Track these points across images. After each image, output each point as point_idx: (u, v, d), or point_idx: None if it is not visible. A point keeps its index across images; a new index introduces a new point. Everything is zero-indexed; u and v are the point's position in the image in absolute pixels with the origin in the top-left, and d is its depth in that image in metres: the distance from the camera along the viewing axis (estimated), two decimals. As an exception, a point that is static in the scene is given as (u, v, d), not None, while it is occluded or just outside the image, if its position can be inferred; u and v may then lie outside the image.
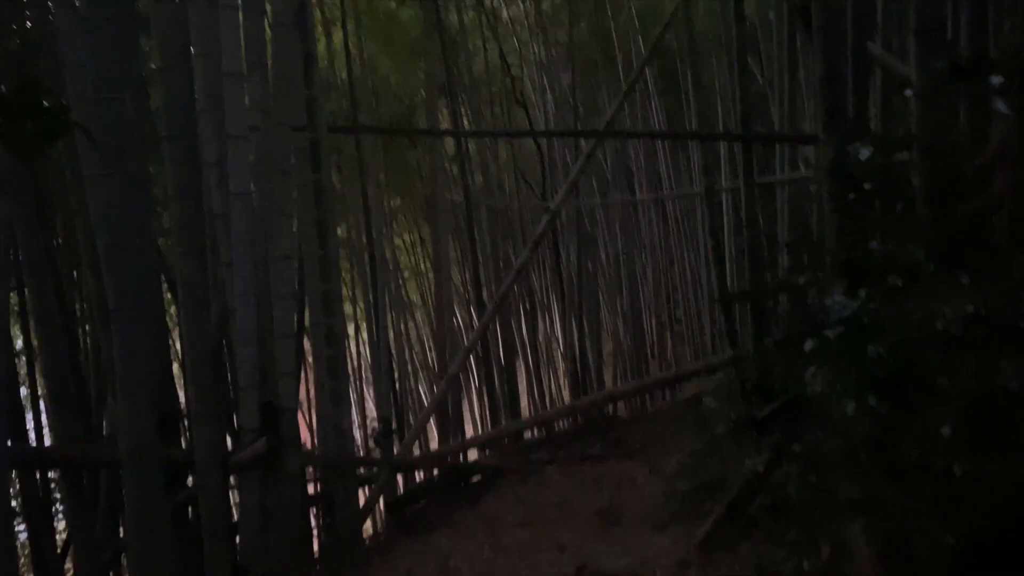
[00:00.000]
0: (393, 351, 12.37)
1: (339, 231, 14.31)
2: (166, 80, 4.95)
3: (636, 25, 12.52)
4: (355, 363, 15.71)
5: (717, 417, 7.10)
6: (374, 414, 9.89)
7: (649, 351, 13.73)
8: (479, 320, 8.62)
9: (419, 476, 9.27)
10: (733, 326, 6.40)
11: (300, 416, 10.12)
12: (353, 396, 16.56)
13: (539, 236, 6.46)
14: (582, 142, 12.29)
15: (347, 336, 16.79)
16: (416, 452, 9.19)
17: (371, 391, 11.23)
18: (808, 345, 2.99)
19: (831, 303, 2.92)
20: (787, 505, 3.33)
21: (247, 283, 4.86)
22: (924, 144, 3.60)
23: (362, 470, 7.18)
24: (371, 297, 10.21)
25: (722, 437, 6.54)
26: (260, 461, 4.88)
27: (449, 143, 12.26)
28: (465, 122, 11.72)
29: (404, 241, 15.58)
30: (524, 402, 11.97)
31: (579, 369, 10.04)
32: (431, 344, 14.96)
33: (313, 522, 7.44)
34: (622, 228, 12.13)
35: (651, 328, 14.20)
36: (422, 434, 9.64)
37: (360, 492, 7.85)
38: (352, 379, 16.84)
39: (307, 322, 6.63)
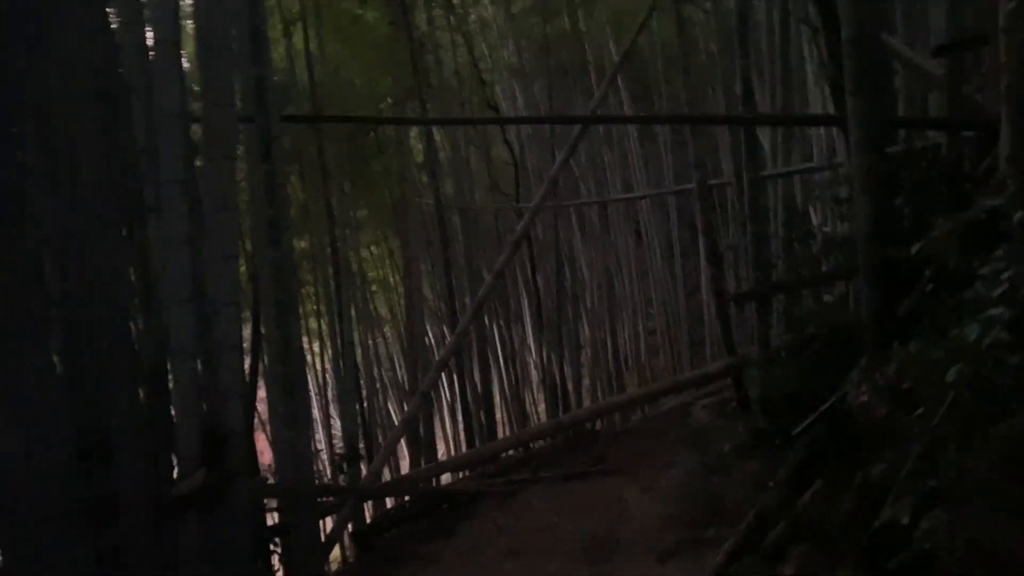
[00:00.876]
0: (361, 368, 11.60)
1: (303, 242, 13.61)
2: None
3: (608, 31, 11.94)
4: (320, 381, 14.89)
5: (719, 432, 6.42)
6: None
7: (624, 363, 13.07)
8: (452, 334, 7.88)
9: (389, 503, 8.44)
10: (730, 331, 5.72)
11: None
12: (319, 416, 15.80)
13: (518, 237, 5.74)
14: (555, 150, 11.74)
15: (311, 352, 16.03)
16: (386, 476, 8.40)
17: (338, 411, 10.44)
18: (972, 333, 2.23)
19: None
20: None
21: (182, 286, 4.08)
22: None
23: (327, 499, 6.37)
24: (336, 311, 9.42)
25: (727, 455, 5.85)
26: (199, 497, 4.07)
27: (418, 150, 11.56)
28: (435, 130, 11.01)
29: (372, 253, 14.77)
30: (499, 417, 11.25)
31: (557, 383, 9.33)
32: (401, 360, 14.16)
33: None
34: (596, 236, 11.48)
35: (628, 339, 13.57)
36: (392, 457, 8.82)
37: (326, 522, 7.03)
38: (317, 398, 16.06)
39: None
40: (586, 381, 12.19)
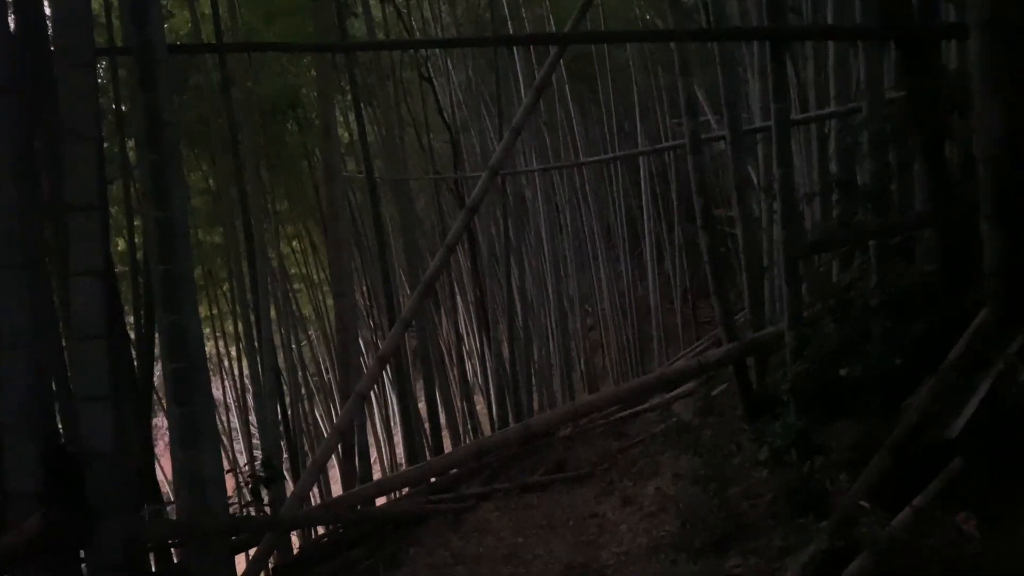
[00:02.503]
0: (284, 372, 10.16)
1: (215, 236, 12.05)
2: None
3: (549, 12, 10.88)
4: (238, 387, 13.31)
5: (714, 432, 5.33)
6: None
7: (577, 360, 11.99)
8: (391, 329, 6.57)
9: (320, 529, 7.03)
10: (731, 313, 4.62)
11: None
12: (240, 428, 14.18)
13: (473, 202, 4.51)
14: (495, 131, 10.58)
15: (227, 357, 14.43)
16: (316, 498, 7.03)
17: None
18: None
19: None
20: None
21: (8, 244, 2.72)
22: None
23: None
24: (252, 306, 8.00)
25: (729, 460, 4.75)
26: (35, 549, 2.71)
27: (345, 130, 10.23)
28: (367, 109, 9.67)
29: (293, 248, 13.27)
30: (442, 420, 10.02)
31: (510, 383, 8.12)
32: (329, 363, 12.71)
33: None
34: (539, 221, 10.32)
35: (570, 335, 12.51)
36: (321, 476, 7.41)
37: (241, 557, 5.62)
38: (237, 409, 14.45)
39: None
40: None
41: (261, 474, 5.06)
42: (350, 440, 5.83)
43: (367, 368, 7.50)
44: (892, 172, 3.59)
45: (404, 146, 9.59)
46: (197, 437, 3.75)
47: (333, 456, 6.78)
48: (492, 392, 10.07)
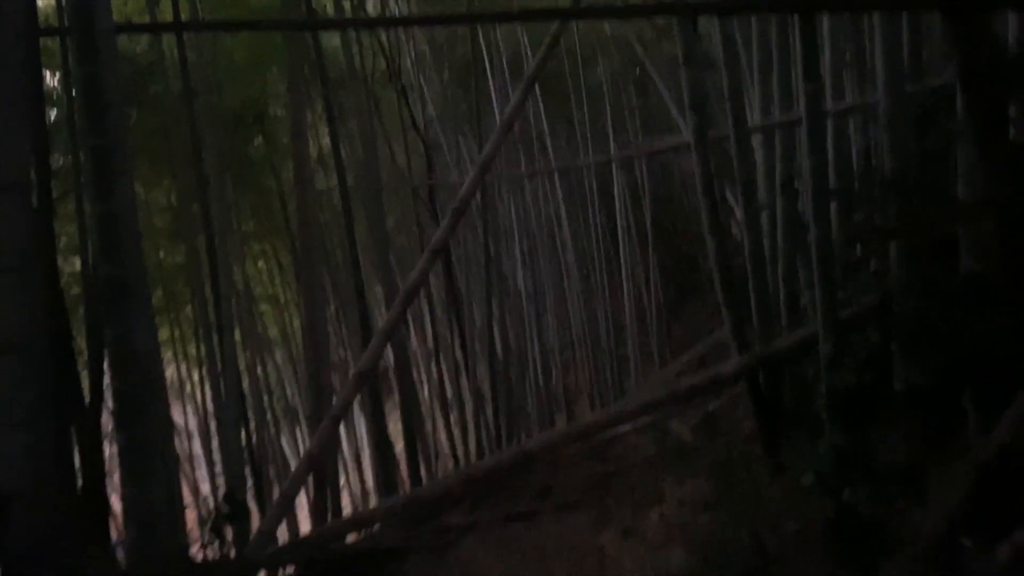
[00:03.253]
0: (249, 396, 9.49)
1: (177, 256, 11.34)
2: None
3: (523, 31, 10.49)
4: (202, 413, 12.52)
5: (725, 455, 4.83)
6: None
7: (555, 380, 11.47)
8: (365, 347, 5.99)
9: (286, 570, 6.38)
10: (742, 322, 4.16)
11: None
12: (203, 457, 13.33)
13: (463, 200, 3.99)
14: (461, 145, 10.13)
15: (189, 382, 13.62)
16: (283, 535, 6.37)
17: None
18: None
19: None
20: None
21: None
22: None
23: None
24: (214, 326, 7.36)
25: (745, 484, 4.25)
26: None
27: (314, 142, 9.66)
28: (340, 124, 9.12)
29: (259, 268, 12.59)
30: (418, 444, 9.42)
31: (493, 404, 7.58)
32: (297, 387, 12.01)
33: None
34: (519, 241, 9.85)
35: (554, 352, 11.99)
36: (290, 510, 6.74)
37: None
38: (197, 434, 13.62)
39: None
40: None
41: (224, 510, 4.44)
42: (323, 469, 5.22)
43: (339, 389, 6.88)
44: (931, 160, 3.18)
45: (377, 160, 9.03)
46: (148, 468, 3.15)
47: (305, 492, 6.17)
48: (469, 412, 9.52)
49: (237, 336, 9.65)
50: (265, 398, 10.80)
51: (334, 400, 5.73)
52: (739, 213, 4.51)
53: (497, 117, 9.30)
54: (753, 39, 4.93)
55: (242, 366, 9.70)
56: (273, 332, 12.42)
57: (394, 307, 3.99)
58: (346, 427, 11.52)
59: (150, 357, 3.11)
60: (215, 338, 7.66)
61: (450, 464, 11.64)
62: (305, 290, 5.82)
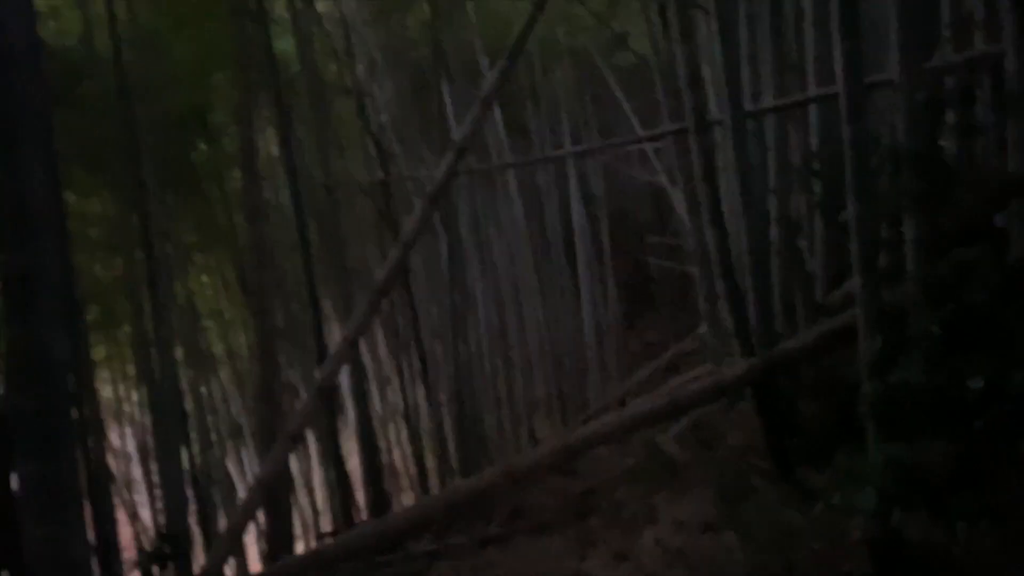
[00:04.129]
0: (192, 418, 8.70)
1: (113, 268, 10.43)
2: None
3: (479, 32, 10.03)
4: (140, 434, 11.58)
5: (725, 471, 4.33)
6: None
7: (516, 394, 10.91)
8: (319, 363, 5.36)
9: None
10: (746, 321, 3.70)
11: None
12: (143, 479, 12.34)
13: (438, 187, 3.42)
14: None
15: (128, 402, 12.63)
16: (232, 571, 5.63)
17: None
18: None
19: None
20: None
21: None
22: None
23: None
24: (153, 338, 6.63)
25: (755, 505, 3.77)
26: None
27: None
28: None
29: (203, 282, 11.75)
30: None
31: (452, 418, 7.00)
32: (243, 406, 11.18)
33: None
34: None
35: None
36: (236, 547, 5.94)
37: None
38: (136, 458, 12.60)
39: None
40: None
41: (163, 550, 3.76)
42: (275, 496, 4.57)
43: (296, 406, 6.18)
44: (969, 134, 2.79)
45: (330, 166, 8.37)
46: (59, 506, 2.51)
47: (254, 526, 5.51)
48: (425, 427, 8.92)
49: (180, 353, 8.89)
50: (209, 418, 9.99)
51: (287, 419, 5.09)
52: (730, 206, 4.06)
53: (452, 122, 8.82)
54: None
55: (184, 384, 8.93)
56: (218, 349, 11.57)
57: (360, 310, 3.37)
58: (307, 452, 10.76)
59: (61, 369, 2.47)
60: (154, 355, 6.96)
61: (403, 481, 10.97)
62: (256, 304, 5.21)
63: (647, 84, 10.59)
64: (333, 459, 6.43)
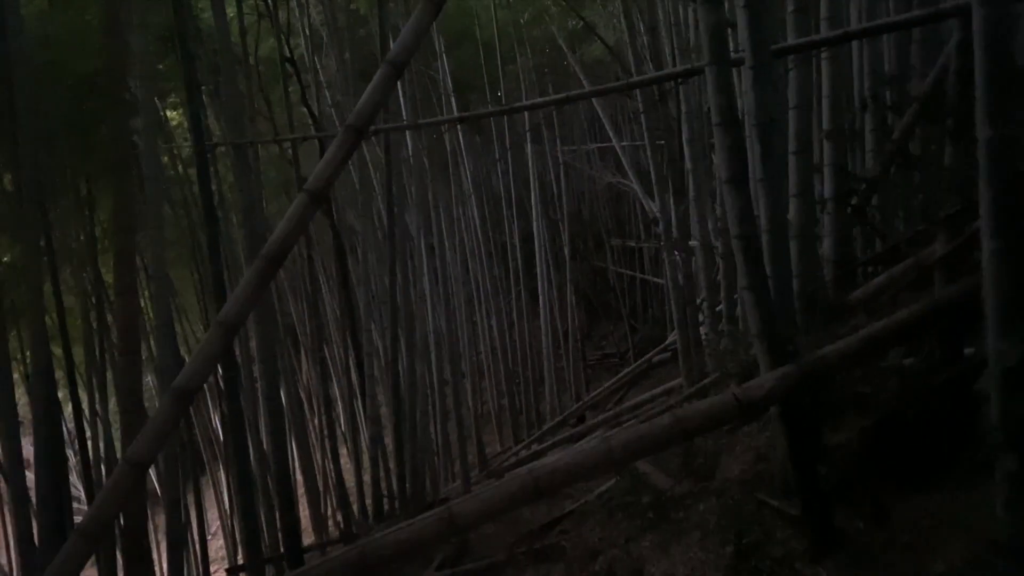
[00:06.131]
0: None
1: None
2: None
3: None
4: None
5: (729, 509, 3.22)
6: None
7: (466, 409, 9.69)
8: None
9: None
10: (772, 321, 2.63)
11: None
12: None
13: (350, 128, 2.30)
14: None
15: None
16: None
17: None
18: None
19: None
20: None
21: None
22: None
23: None
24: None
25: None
26: None
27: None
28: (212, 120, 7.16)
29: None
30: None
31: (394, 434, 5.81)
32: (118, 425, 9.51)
33: None
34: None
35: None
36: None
37: None
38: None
39: None
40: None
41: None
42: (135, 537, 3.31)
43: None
44: None
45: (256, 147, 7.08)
46: None
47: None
48: (364, 443, 7.68)
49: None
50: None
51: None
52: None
53: (404, 109, 7.69)
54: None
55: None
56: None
57: (245, 279, 2.12)
58: (221, 463, 9.32)
59: None
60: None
61: (334, 503, 9.55)
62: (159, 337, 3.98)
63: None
64: (239, 482, 5.15)
